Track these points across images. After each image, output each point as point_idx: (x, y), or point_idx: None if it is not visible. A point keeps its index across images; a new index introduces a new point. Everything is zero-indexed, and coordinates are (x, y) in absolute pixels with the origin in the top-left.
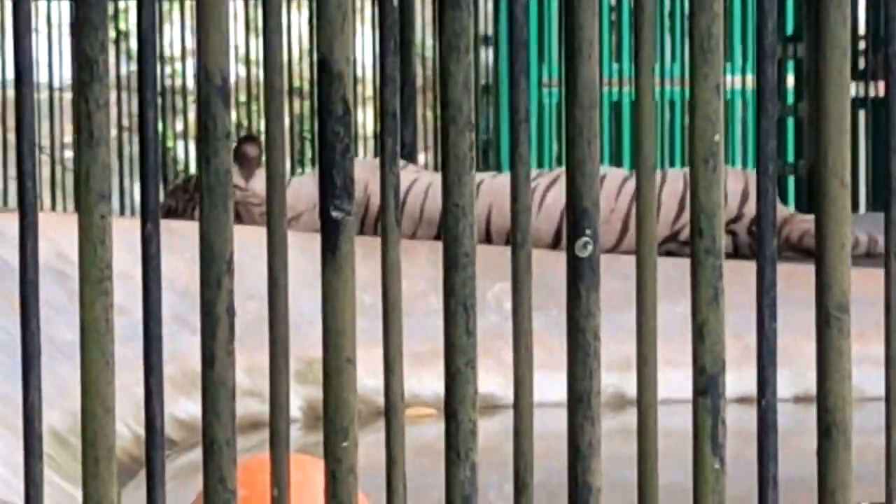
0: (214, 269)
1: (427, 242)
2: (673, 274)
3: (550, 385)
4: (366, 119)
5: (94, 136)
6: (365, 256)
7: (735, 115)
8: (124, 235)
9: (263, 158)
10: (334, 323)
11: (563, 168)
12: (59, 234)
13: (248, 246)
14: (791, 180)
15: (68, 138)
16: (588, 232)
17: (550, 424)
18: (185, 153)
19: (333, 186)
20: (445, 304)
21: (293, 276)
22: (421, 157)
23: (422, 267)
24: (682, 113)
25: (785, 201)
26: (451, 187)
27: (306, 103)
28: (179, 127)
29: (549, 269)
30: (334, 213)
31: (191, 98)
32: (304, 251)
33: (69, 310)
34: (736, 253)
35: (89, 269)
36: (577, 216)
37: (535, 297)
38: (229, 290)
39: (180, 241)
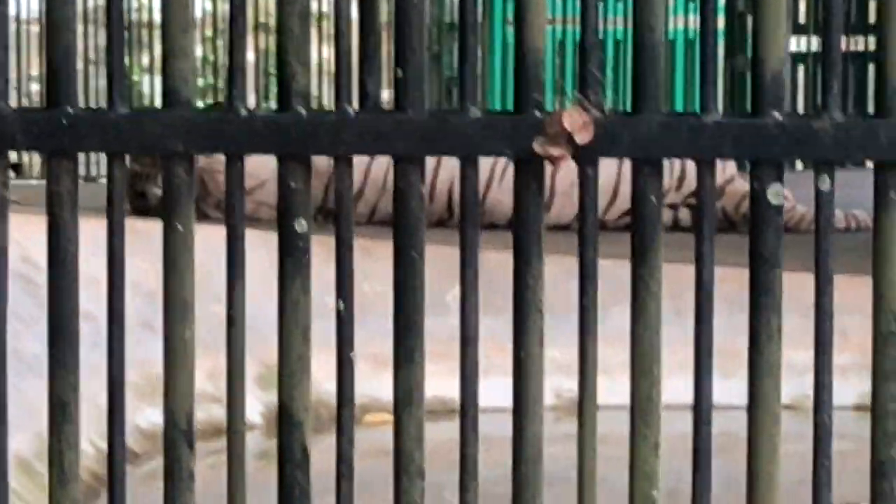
0: None
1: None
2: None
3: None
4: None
5: (65, 472)
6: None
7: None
8: (91, 236)
9: None
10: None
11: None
12: (24, 236)
13: (216, 246)
14: None
15: (35, 71)
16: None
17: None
18: (150, 87)
19: None
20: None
21: (256, 278)
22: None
23: (385, 265)
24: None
25: None
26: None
27: (272, 38)
28: (146, 61)
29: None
30: None
31: (157, 32)
32: (269, 251)
33: (38, 320)
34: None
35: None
36: None
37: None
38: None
39: (146, 242)
